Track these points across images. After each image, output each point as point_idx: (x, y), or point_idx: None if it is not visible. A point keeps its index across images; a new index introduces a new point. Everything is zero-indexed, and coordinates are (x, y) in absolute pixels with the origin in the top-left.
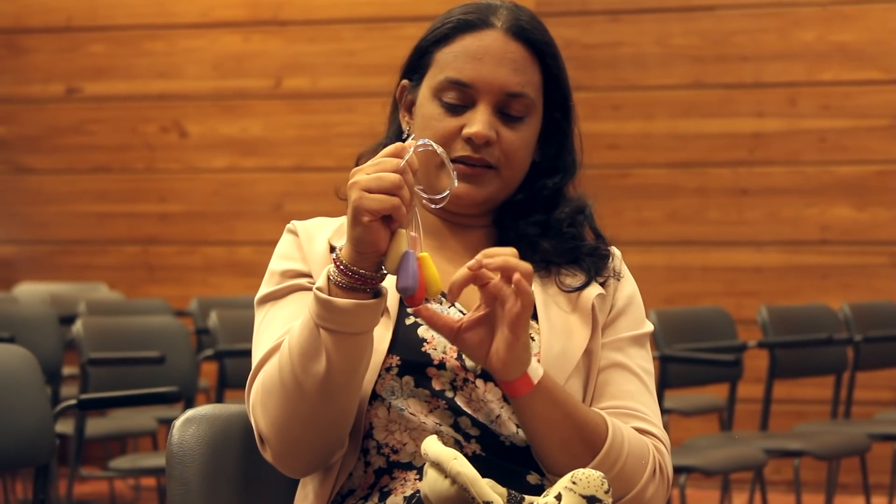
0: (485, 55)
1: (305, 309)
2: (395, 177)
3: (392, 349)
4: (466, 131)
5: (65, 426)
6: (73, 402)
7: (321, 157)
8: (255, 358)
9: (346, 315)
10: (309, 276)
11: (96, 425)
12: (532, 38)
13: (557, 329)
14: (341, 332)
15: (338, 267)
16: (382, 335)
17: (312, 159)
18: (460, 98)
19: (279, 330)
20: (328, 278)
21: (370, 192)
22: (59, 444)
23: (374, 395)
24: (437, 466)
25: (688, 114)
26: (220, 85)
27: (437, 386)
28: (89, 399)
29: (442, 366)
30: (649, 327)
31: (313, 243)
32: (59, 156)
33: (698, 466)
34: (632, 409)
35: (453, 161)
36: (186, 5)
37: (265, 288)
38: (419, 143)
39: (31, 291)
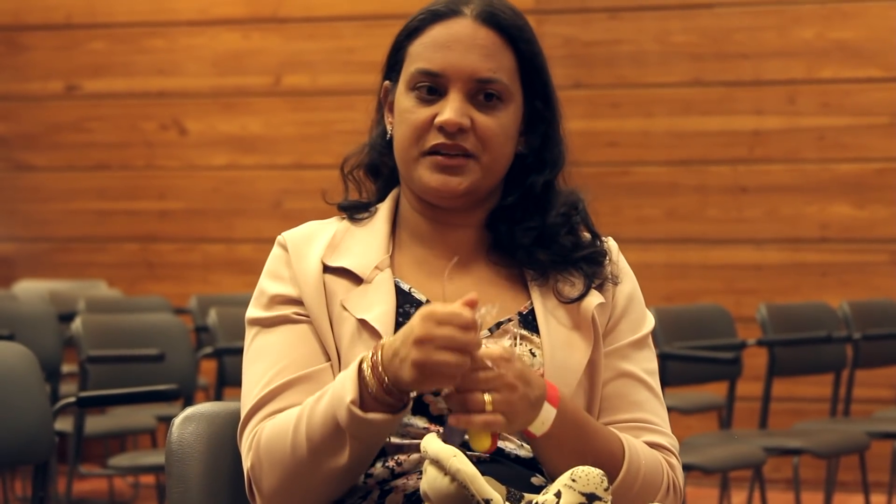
0: (454, 42)
1: (292, 343)
2: (464, 364)
3: None
4: (438, 119)
5: (64, 424)
6: (72, 399)
7: (321, 155)
8: (248, 395)
9: (378, 428)
10: (298, 301)
11: (95, 423)
12: (503, 23)
13: (559, 343)
14: (370, 442)
15: (380, 383)
16: None
17: (312, 156)
18: (432, 88)
19: (270, 366)
20: (360, 385)
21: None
22: (59, 442)
23: None
24: (437, 464)
25: (687, 111)
26: (220, 82)
27: (434, 412)
28: (88, 397)
29: (438, 392)
30: (650, 324)
31: (304, 261)
32: (59, 153)
33: (697, 464)
34: (643, 420)
35: (429, 153)
36: (186, 2)
37: (255, 309)
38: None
39: (30, 289)
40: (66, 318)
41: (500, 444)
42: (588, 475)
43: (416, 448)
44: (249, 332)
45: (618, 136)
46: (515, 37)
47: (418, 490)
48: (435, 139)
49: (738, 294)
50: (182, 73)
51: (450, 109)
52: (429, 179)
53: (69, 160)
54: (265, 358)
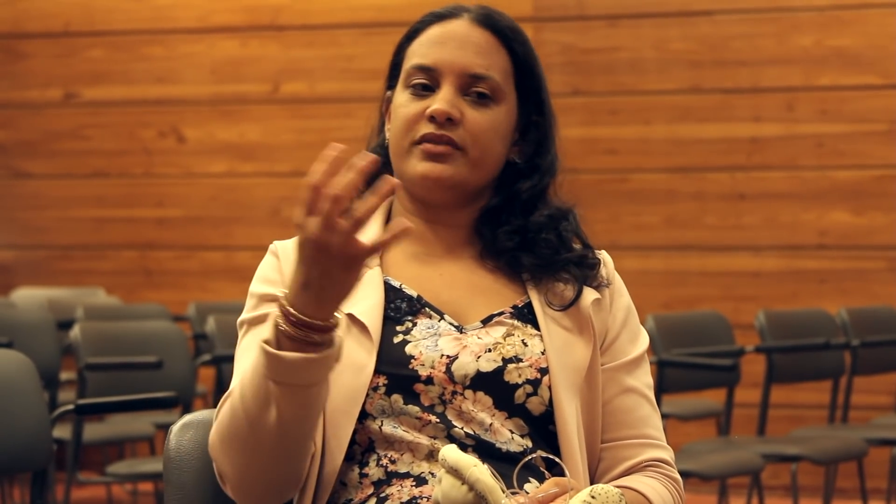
0: (448, 39)
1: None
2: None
3: (379, 368)
4: (428, 110)
5: (62, 431)
6: (70, 407)
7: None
8: (231, 385)
9: (296, 369)
10: None
11: (94, 430)
12: (498, 25)
13: (560, 343)
14: (291, 385)
15: (287, 319)
16: (366, 360)
17: (310, 164)
18: (425, 82)
19: (251, 360)
20: (276, 327)
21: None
22: (57, 450)
23: (365, 414)
24: (455, 473)
25: (685, 118)
26: (218, 90)
27: (425, 402)
28: (87, 404)
29: (430, 381)
30: (645, 338)
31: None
32: (57, 161)
33: (696, 471)
34: (647, 437)
35: (418, 142)
36: (184, 10)
37: (245, 312)
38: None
39: (28, 296)
40: (65, 325)
41: (490, 438)
42: (607, 493)
43: (409, 442)
44: (240, 333)
45: (616, 143)
46: (510, 38)
47: (414, 498)
48: (425, 128)
49: (737, 301)
50: (180, 80)
51: (440, 100)
52: (416, 167)
53: (67, 168)
54: (249, 353)
